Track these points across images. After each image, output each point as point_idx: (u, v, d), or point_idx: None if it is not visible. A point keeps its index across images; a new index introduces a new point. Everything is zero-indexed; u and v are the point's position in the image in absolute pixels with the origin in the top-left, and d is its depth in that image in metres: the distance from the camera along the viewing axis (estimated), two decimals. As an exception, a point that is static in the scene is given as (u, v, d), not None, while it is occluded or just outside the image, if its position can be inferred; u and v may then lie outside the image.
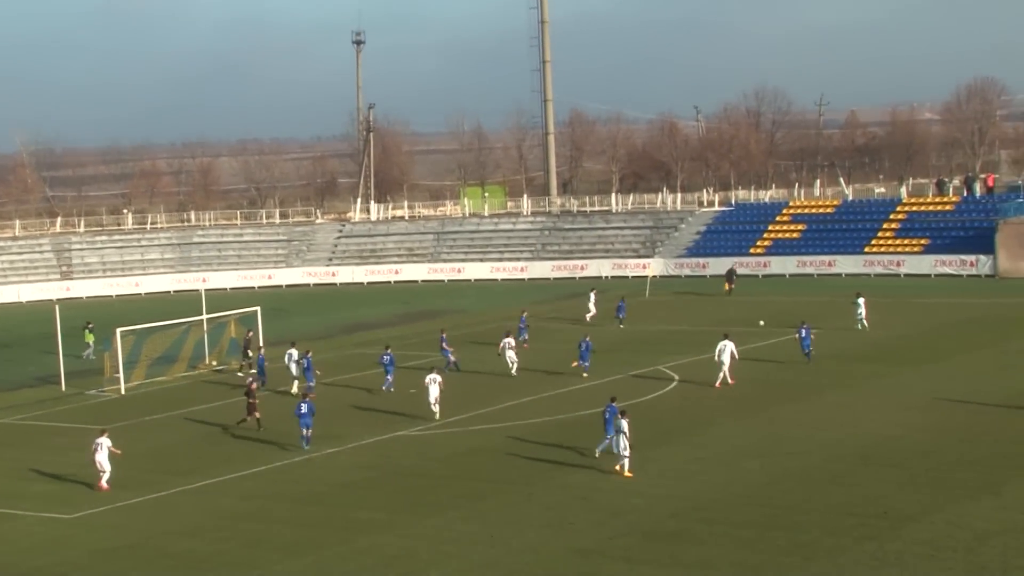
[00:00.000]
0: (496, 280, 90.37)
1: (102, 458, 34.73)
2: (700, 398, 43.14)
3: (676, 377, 47.28)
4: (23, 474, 37.24)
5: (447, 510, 30.99)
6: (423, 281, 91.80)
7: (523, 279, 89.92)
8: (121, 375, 50.21)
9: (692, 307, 68.70)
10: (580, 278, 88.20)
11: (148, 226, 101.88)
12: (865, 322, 55.95)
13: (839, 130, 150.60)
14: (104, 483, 34.51)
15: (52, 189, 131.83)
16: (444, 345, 50.84)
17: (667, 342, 55.35)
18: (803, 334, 48.97)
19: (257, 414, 40.62)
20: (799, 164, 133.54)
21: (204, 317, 55.58)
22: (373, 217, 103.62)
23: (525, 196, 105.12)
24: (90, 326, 59.50)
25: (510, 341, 49.16)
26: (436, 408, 41.52)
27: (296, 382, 47.42)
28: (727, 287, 73.57)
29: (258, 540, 29.39)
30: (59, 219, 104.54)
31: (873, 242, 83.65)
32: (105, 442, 34.96)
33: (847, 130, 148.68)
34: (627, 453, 32.89)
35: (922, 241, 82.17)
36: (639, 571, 25.92)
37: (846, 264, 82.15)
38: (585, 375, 47.61)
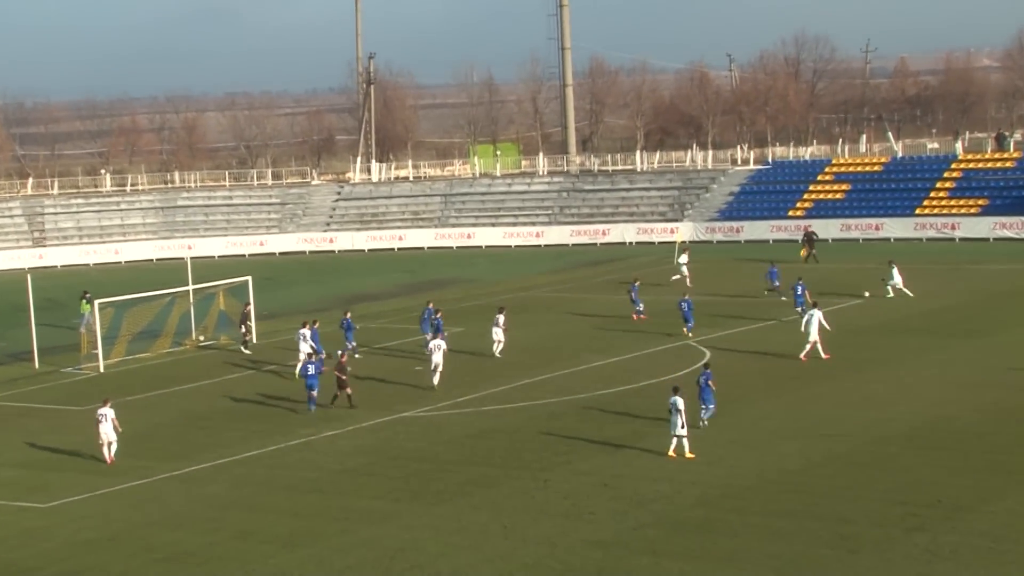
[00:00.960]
0: (509, 247, 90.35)
1: (107, 429, 35.70)
2: (732, 375, 43.06)
3: (707, 352, 47.27)
4: (-6, 459, 37.45)
5: (456, 498, 31.11)
6: (429, 248, 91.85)
7: (539, 245, 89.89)
8: (100, 351, 50.43)
9: (726, 275, 68.57)
10: (601, 244, 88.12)
11: (128, 188, 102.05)
12: (906, 290, 56.17)
13: (887, 79, 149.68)
14: (112, 455, 35.71)
15: (22, 147, 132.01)
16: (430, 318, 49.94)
17: (697, 314, 55.20)
18: (799, 291, 50.95)
19: (348, 390, 40.63)
20: (843, 117, 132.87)
21: (190, 288, 55.72)
22: (374, 178, 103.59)
23: (541, 154, 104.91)
24: (87, 295, 59.48)
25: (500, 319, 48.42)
26: (436, 377, 42.33)
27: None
28: (804, 253, 71.62)
29: (250, 531, 29.56)
30: (30, 180, 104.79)
31: (925, 203, 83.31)
32: (109, 412, 35.87)
33: (896, 79, 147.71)
34: (685, 432, 33.10)
35: (979, 202, 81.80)
36: (664, 565, 26.01)
37: (895, 227, 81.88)
38: (690, 335, 49.73)
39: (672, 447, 33.27)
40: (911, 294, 56.07)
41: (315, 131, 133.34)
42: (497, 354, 47.39)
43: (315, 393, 40.58)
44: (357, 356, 48.29)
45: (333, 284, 75.54)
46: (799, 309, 50.31)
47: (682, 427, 33.17)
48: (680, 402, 33.30)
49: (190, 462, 35.64)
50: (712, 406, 35.90)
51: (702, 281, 66.03)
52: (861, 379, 41.53)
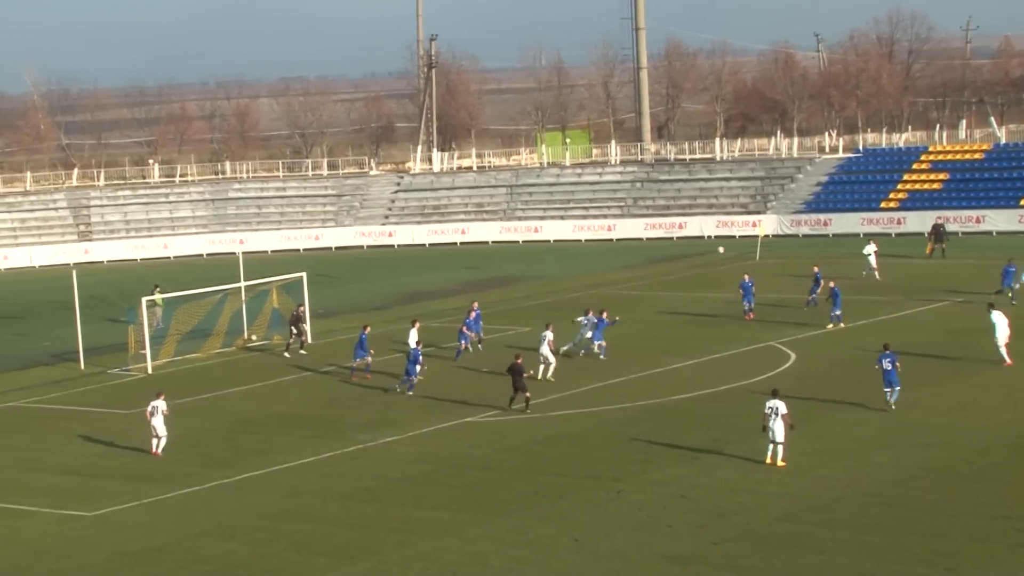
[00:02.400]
0: (579, 241, 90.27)
1: (158, 423, 36.85)
2: (820, 379, 42.70)
3: (793, 354, 46.87)
4: (36, 465, 38.01)
5: (522, 509, 31.08)
6: (494, 242, 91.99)
7: (610, 239, 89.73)
8: (148, 351, 50.98)
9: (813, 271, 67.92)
10: (678, 238, 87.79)
11: (177, 179, 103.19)
12: (876, 274, 60.10)
13: (990, 60, 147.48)
14: (158, 450, 36.81)
15: (68, 136, 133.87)
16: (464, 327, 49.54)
17: (782, 313, 54.87)
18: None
19: (528, 393, 40.27)
20: (941, 102, 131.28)
21: (242, 284, 56.12)
22: (436, 168, 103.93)
23: (613, 142, 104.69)
24: (158, 289, 59.89)
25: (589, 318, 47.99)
26: (542, 368, 43.83)
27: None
28: (930, 248, 70.40)
29: (304, 543, 29.73)
30: (76, 171, 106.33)
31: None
32: (161, 405, 36.92)
33: (1000, 60, 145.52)
34: (782, 439, 32.97)
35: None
36: (748, 582, 25.82)
37: (997, 220, 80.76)
38: (842, 324, 50.37)
39: (769, 454, 33.05)
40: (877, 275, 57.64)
41: (373, 118, 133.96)
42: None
43: (413, 379, 43.39)
44: (480, 348, 49.66)
45: (392, 281, 75.88)
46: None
47: (780, 433, 32.83)
48: (781, 406, 32.99)
49: (240, 469, 35.92)
50: (898, 387, 37.67)
51: (789, 278, 65.49)
52: (962, 384, 40.99)
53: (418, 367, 44.14)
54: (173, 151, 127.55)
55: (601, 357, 47.15)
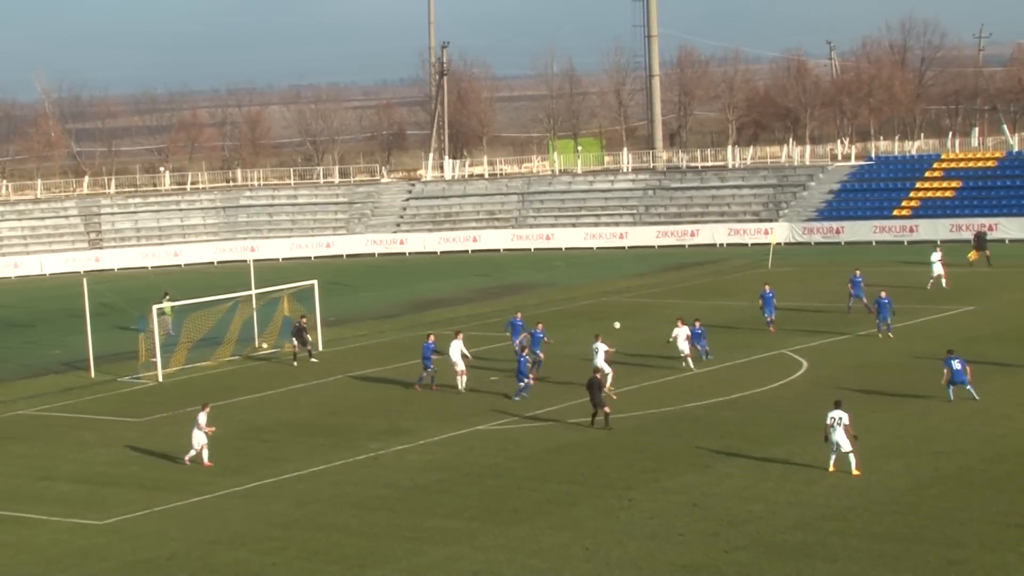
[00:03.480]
0: (591, 249, 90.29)
1: (196, 434, 37.28)
2: (832, 387, 42.59)
3: (804, 363, 46.85)
4: (47, 473, 38.11)
5: (534, 517, 31.10)
6: (506, 250, 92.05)
7: (623, 247, 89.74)
8: (159, 359, 51.11)
9: (825, 280, 67.90)
10: (690, 246, 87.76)
11: (188, 187, 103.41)
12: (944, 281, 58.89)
13: (1003, 67, 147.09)
14: (206, 460, 37.30)
15: (79, 143, 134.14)
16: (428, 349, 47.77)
17: (794, 321, 54.82)
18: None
19: (607, 408, 38.81)
20: (953, 109, 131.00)
21: (253, 292, 56.25)
22: (447, 175, 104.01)
23: (625, 150, 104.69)
24: (167, 296, 60.04)
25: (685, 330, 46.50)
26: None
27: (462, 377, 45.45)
28: (974, 256, 69.86)
29: (315, 551, 29.78)
30: (87, 178, 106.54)
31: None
32: (202, 418, 37.28)
33: (1013, 67, 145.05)
34: (850, 447, 32.81)
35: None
36: (760, 591, 25.80)
37: (1011, 228, 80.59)
38: (890, 335, 49.56)
39: (832, 461, 32.89)
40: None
41: (385, 125, 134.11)
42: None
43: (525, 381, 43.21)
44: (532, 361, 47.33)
45: (403, 288, 75.94)
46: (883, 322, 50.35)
47: (845, 443, 32.70)
48: (844, 417, 32.89)
49: (252, 477, 35.98)
50: (968, 386, 39.37)
51: (800, 286, 65.45)
52: (976, 391, 40.85)
53: (529, 374, 43.69)
54: (184, 158, 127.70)
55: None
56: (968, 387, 39.78)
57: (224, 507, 33.58)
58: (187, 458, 37.55)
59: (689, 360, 46.52)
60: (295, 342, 52.37)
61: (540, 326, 48.35)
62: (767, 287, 54.58)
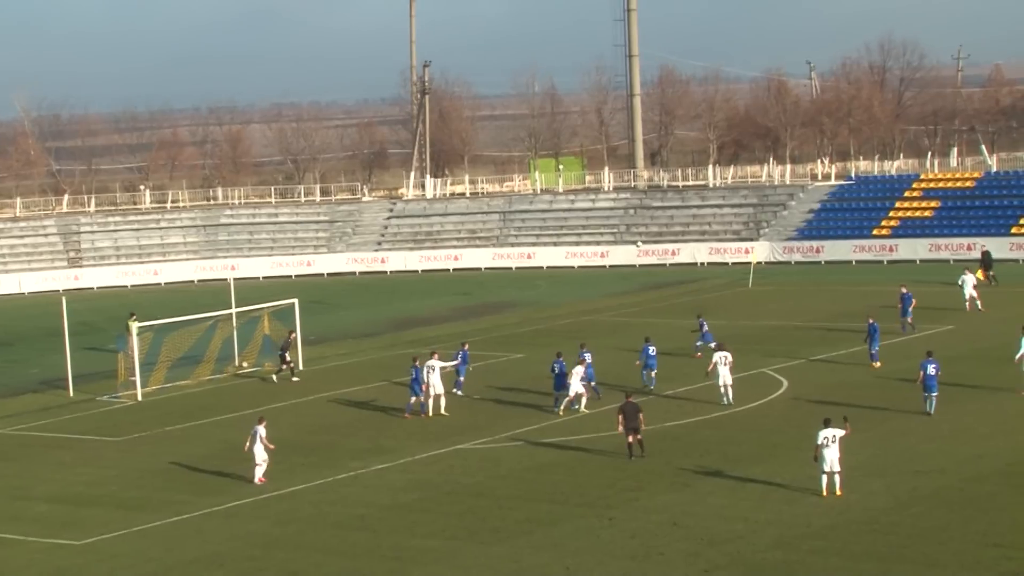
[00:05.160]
0: (572, 267, 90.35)
1: (258, 449, 36.63)
2: (813, 406, 42.69)
3: (785, 382, 46.91)
4: (24, 493, 37.88)
5: (515, 537, 31.04)
6: (487, 269, 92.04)
7: (604, 266, 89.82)
8: (137, 378, 50.91)
9: (805, 299, 68.10)
10: (671, 264, 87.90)
11: (168, 205, 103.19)
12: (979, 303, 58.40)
13: (981, 88, 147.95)
14: (259, 477, 36.61)
15: (58, 162, 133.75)
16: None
17: (775, 340, 54.93)
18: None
19: (639, 436, 37.40)
20: (932, 129, 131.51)
21: (233, 311, 56.13)
22: (429, 194, 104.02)
23: (606, 169, 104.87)
24: (135, 316, 60.01)
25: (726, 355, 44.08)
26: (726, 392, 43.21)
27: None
28: (981, 275, 68.60)
29: (295, 571, 29.66)
30: (66, 197, 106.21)
31: (1021, 222, 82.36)
32: (260, 431, 36.69)
33: (990, 88, 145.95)
34: (839, 468, 32.65)
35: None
36: (740, 611, 25.79)
37: (989, 248, 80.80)
38: (877, 364, 48.48)
39: (825, 484, 32.73)
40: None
41: (366, 144, 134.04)
42: (730, 401, 43.22)
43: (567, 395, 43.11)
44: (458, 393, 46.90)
45: (384, 307, 75.86)
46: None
47: (833, 463, 32.54)
48: (837, 434, 32.75)
49: (231, 497, 35.84)
50: (935, 394, 40.20)
51: (781, 305, 65.60)
52: (954, 411, 40.99)
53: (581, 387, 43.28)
54: (164, 177, 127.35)
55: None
56: (934, 395, 40.20)
57: (203, 527, 33.43)
58: (262, 475, 36.79)
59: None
60: (285, 359, 52.41)
61: (466, 345, 48.75)
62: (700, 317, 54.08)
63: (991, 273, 69.92)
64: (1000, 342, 51.50)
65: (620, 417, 37.19)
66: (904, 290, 55.91)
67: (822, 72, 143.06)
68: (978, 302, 60.05)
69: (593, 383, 44.86)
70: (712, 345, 48.08)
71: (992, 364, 47.41)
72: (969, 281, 60.97)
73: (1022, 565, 27.17)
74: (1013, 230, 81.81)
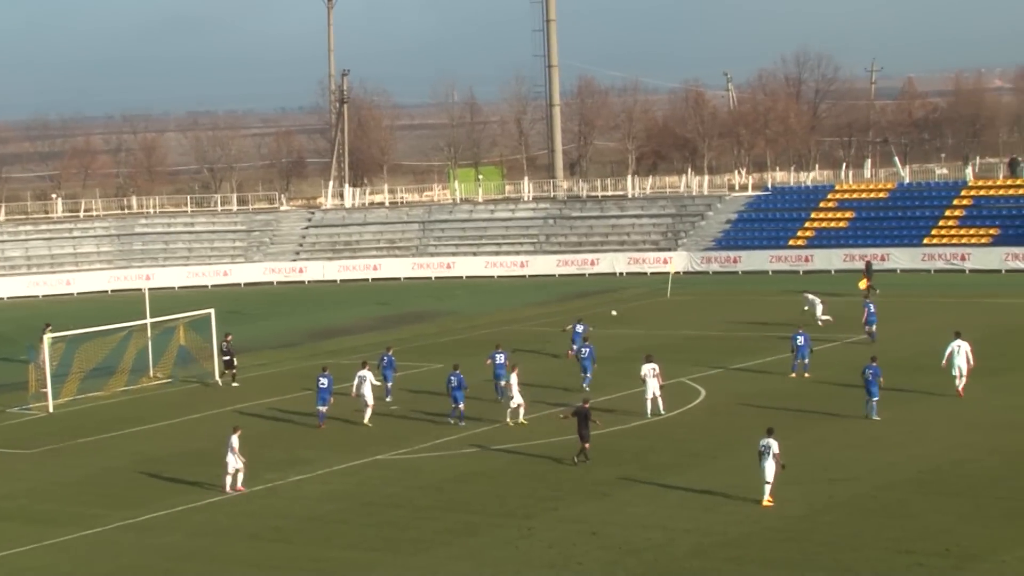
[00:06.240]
0: (491, 277, 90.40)
1: (230, 458, 36.46)
2: (730, 415, 43.16)
3: (703, 391, 47.29)
4: (-66, 506, 37.19)
5: (434, 547, 31.00)
6: (406, 279, 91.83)
7: (523, 276, 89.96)
8: (49, 390, 50.18)
9: (723, 308, 68.70)
10: (590, 275, 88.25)
11: (81, 214, 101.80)
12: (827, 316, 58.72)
13: (894, 101, 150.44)
14: (229, 487, 36.42)
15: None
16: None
17: (693, 350, 55.36)
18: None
19: (586, 444, 37.75)
20: (847, 141, 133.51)
21: (148, 321, 55.55)
22: (347, 204, 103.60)
23: (526, 179, 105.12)
24: (49, 327, 59.14)
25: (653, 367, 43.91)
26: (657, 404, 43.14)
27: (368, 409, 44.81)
28: (865, 284, 69.66)
29: (210, 583, 29.39)
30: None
31: (933, 232, 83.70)
32: (233, 440, 36.50)
33: (903, 101, 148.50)
34: (771, 479, 32.78)
35: (991, 231, 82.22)
36: (658, 619, 25.95)
37: (902, 258, 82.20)
38: (807, 375, 48.55)
39: (767, 494, 32.87)
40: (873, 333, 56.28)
41: (284, 153, 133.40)
42: (661, 411, 43.37)
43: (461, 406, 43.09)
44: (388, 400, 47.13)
45: (302, 317, 75.42)
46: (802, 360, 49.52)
47: (770, 473, 32.74)
48: (774, 445, 32.93)
49: (145, 510, 35.43)
50: (876, 398, 41.18)
51: (700, 314, 66.05)
52: (867, 421, 41.56)
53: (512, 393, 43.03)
54: (77, 186, 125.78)
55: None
56: (875, 400, 41.26)
57: (117, 540, 33.03)
58: (233, 485, 36.63)
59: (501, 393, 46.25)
60: (228, 363, 53.07)
61: (391, 350, 49.24)
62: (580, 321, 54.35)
63: (870, 284, 70.99)
64: (912, 352, 52.41)
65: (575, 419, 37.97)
66: (867, 301, 57.07)
67: (739, 84, 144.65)
68: (825, 319, 59.70)
69: (502, 383, 45.64)
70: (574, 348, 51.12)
71: (904, 373, 48.09)
72: (817, 301, 60.77)
73: (932, 571, 27.60)
74: (925, 241, 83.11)
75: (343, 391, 45.70)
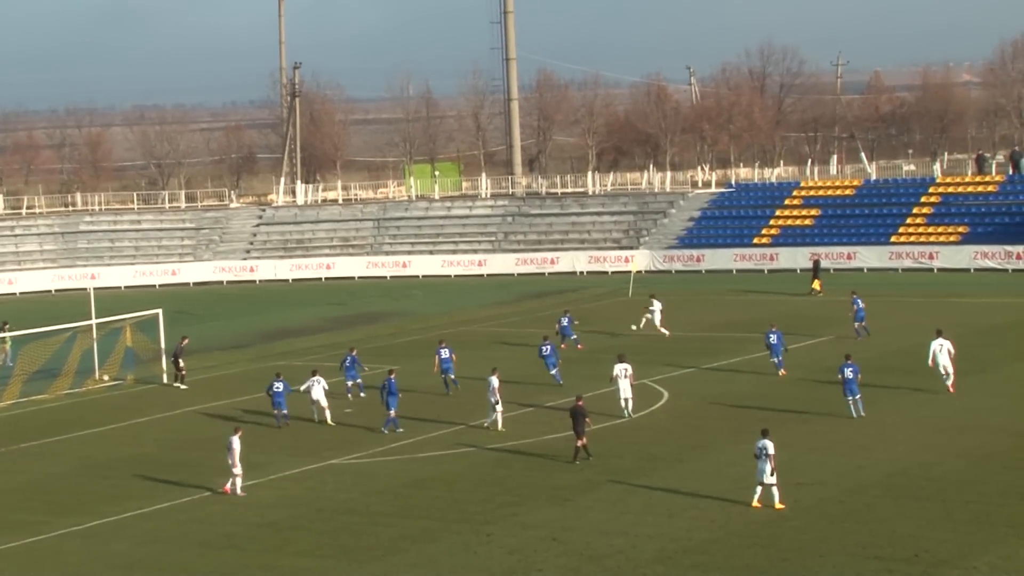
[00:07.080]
0: (448, 276, 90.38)
1: (233, 460, 36.22)
2: (694, 418, 43.30)
3: (666, 393, 47.44)
4: None
5: (389, 555, 30.96)
6: (360, 278, 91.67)
7: (481, 275, 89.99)
8: (-9, 393, 49.83)
9: (687, 308, 68.92)
10: (550, 274, 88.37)
11: (24, 211, 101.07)
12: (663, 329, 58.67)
13: (860, 95, 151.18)
14: (229, 487, 36.30)
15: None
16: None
17: (655, 350, 55.50)
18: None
19: (582, 441, 37.88)
20: (812, 136, 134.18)
21: (93, 322, 55.24)
22: (300, 200, 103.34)
23: (483, 175, 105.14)
24: (7, 326, 58.68)
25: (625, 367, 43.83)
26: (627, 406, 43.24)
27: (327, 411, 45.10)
28: (818, 284, 71.24)
29: (159, 593, 29.25)
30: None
31: (900, 230, 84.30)
32: (234, 442, 36.29)
33: (870, 95, 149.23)
34: (775, 479, 32.82)
35: (959, 229, 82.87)
36: (620, 627, 26.01)
37: (869, 257, 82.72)
38: (782, 372, 49.29)
39: (757, 496, 32.97)
40: (666, 333, 57.52)
41: (234, 148, 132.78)
42: (629, 414, 43.52)
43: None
44: (362, 395, 48.28)
45: (254, 317, 75.16)
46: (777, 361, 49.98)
47: (771, 474, 32.85)
48: (770, 446, 32.97)
49: (91, 516, 35.21)
50: (858, 396, 41.65)
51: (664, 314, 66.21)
52: (834, 423, 41.79)
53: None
54: (19, 182, 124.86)
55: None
56: (857, 398, 41.74)
57: (61, 548, 32.82)
58: (229, 487, 36.50)
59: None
60: (178, 364, 53.19)
61: (354, 351, 49.81)
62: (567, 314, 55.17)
63: (815, 284, 71.73)
64: (878, 352, 52.75)
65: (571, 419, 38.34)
66: (854, 295, 57.16)
67: (702, 78, 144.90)
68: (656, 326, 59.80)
69: (453, 376, 47.82)
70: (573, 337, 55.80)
71: (869, 373, 48.36)
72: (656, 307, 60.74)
73: (902, 576, 27.79)
74: (892, 239, 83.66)
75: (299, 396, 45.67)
